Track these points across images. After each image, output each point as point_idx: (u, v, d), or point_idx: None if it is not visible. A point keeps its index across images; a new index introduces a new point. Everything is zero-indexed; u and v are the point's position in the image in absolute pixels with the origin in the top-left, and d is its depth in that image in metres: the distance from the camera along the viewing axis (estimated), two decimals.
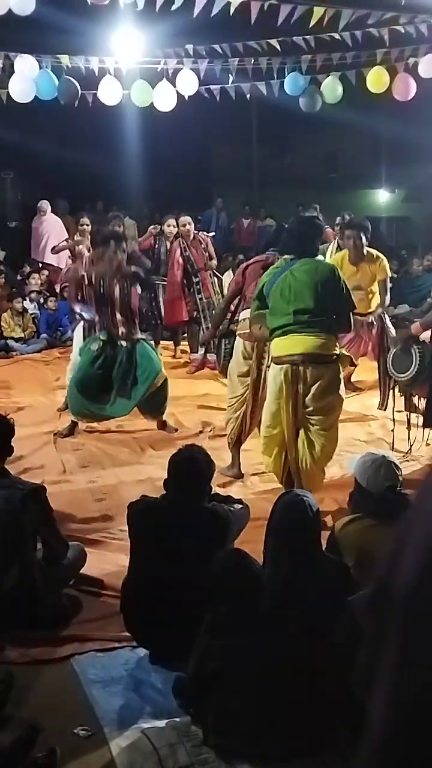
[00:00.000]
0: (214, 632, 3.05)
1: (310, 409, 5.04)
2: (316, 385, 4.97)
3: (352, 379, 7.96)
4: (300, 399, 5.01)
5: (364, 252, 7.44)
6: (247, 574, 3.10)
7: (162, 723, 3.09)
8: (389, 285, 7.81)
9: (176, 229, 9.23)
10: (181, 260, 9.09)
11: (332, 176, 19.79)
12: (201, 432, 6.92)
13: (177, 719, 3.09)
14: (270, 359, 5.32)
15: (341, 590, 3.21)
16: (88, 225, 9.18)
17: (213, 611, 3.10)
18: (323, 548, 3.51)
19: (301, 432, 5.08)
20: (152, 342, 7.21)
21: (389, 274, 7.80)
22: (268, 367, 5.49)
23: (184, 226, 9.11)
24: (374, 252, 7.67)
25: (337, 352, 5.12)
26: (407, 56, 7.62)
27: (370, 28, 7.27)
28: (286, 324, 4.98)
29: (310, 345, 4.94)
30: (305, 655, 2.99)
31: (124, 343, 6.43)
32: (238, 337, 5.84)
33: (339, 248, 8.02)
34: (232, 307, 6.22)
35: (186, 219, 9.21)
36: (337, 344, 5.14)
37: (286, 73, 7.89)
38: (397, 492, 3.65)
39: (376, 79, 7.65)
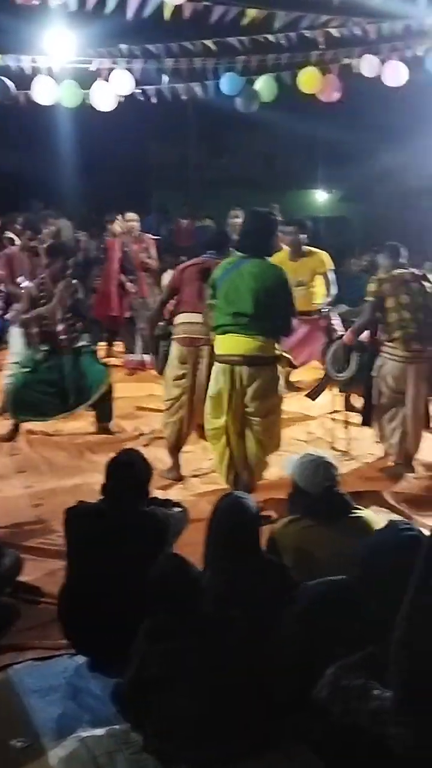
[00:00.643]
0: (152, 637, 3.02)
1: (250, 409, 5.09)
2: (253, 386, 5.02)
3: (291, 379, 8.01)
4: (239, 399, 5.05)
5: (303, 249, 7.55)
6: (185, 577, 3.07)
7: (101, 731, 3.04)
8: (333, 277, 7.91)
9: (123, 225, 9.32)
10: (119, 255, 9.18)
11: (270, 176, 19.89)
12: (141, 435, 6.88)
13: (116, 726, 3.05)
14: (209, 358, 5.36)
15: (281, 591, 3.21)
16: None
17: (151, 616, 3.07)
18: (263, 549, 3.52)
19: (247, 431, 5.14)
20: (95, 348, 7.18)
21: (330, 266, 7.90)
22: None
23: (130, 221, 9.20)
24: (313, 249, 7.79)
25: (276, 353, 5.14)
26: (341, 57, 7.70)
27: (304, 30, 7.32)
28: (226, 324, 5.03)
29: (248, 347, 4.98)
30: (247, 656, 2.98)
31: (65, 354, 6.41)
32: (174, 342, 5.81)
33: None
34: (170, 308, 6.21)
35: (132, 215, 9.31)
36: (276, 346, 5.16)
37: (221, 73, 7.90)
38: (335, 492, 3.66)
39: (307, 80, 7.71)
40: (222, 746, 2.84)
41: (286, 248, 7.65)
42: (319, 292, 7.79)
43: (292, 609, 3.04)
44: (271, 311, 4.99)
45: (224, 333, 5.06)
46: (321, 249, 8.01)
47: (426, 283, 5.89)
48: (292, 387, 7.85)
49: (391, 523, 3.11)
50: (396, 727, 2.23)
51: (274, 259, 7.53)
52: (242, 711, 2.89)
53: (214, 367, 5.21)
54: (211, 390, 5.18)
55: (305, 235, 7.64)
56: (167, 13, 6.65)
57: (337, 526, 3.55)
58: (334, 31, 7.37)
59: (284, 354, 5.27)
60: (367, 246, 14.14)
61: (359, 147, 14.86)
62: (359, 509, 3.71)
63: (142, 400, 7.89)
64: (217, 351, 5.13)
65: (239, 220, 10.08)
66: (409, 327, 5.74)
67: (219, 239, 6.07)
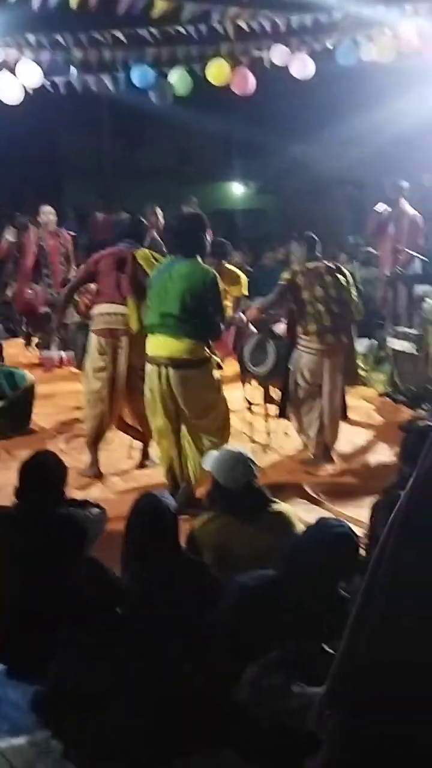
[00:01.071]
0: (71, 644, 2.96)
1: (184, 411, 5.06)
2: (181, 389, 4.96)
3: None
4: (169, 399, 5.02)
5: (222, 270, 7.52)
6: (101, 582, 3.01)
7: (21, 740, 2.96)
8: (243, 298, 7.95)
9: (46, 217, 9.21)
10: (35, 248, 9.06)
11: (186, 169, 19.84)
12: (59, 434, 6.77)
13: (36, 735, 2.97)
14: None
15: (202, 589, 3.19)
16: None
17: (70, 622, 3.00)
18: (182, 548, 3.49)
19: (184, 429, 5.12)
20: None
21: (244, 293, 7.93)
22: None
23: (45, 215, 9.12)
24: (235, 271, 7.81)
25: (207, 355, 5.07)
26: (252, 50, 7.70)
27: (214, 22, 7.29)
28: (155, 324, 5.01)
29: (175, 349, 4.93)
30: (169, 658, 2.95)
31: None
32: (92, 334, 5.73)
33: None
34: (87, 301, 6.14)
35: (48, 209, 9.22)
36: (205, 348, 5.08)
37: (132, 65, 7.80)
38: (253, 488, 3.66)
39: (216, 72, 7.69)
40: (144, 752, 2.80)
41: None
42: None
43: (220, 605, 3.03)
44: (200, 313, 4.93)
45: (153, 333, 5.03)
46: (238, 242, 8.02)
47: (340, 276, 5.94)
48: None
49: (322, 520, 3.11)
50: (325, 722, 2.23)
51: None
52: (164, 715, 2.85)
53: (146, 368, 5.16)
54: (146, 390, 5.15)
55: (225, 258, 7.63)
56: (73, 2, 6.52)
57: (257, 522, 3.55)
58: (244, 24, 7.35)
59: (215, 356, 5.22)
60: (284, 238, 14.26)
61: (274, 139, 14.93)
62: (277, 503, 3.71)
63: (62, 397, 7.75)
64: (147, 351, 5.08)
65: (157, 218, 10.09)
66: (323, 319, 5.78)
67: (135, 228, 6.00)
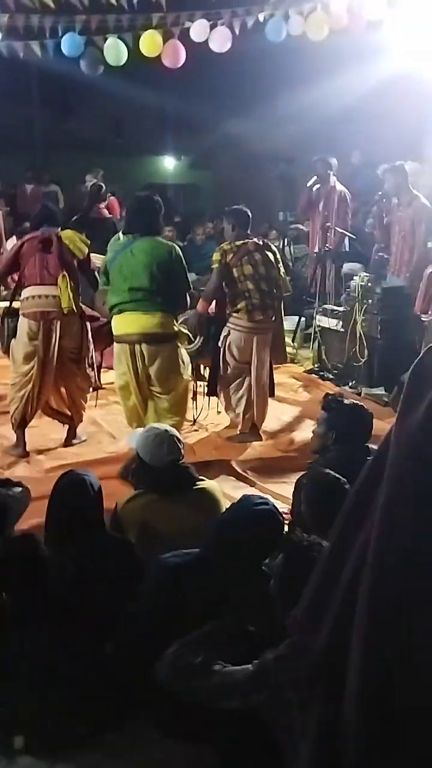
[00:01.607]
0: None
1: (155, 388, 5.21)
2: (156, 364, 5.13)
3: None
4: (143, 376, 5.15)
5: None
6: (33, 560, 2.96)
7: None
8: None
9: None
10: None
11: (118, 142, 19.55)
12: None
13: None
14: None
15: (127, 567, 3.18)
16: None
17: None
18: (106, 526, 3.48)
19: (151, 405, 5.26)
20: None
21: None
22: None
23: None
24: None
25: (176, 329, 5.23)
26: (183, 21, 7.60)
27: None
28: (123, 302, 5.07)
29: (147, 324, 5.06)
30: (96, 635, 2.94)
31: None
32: (22, 317, 5.60)
33: None
34: (11, 284, 6.02)
35: None
36: (175, 322, 5.24)
37: (60, 33, 7.61)
38: (179, 466, 3.66)
39: (148, 44, 7.57)
40: (63, 731, 2.80)
41: None
42: None
43: (143, 584, 3.02)
44: (168, 286, 5.07)
45: (121, 312, 5.09)
46: (170, 218, 7.95)
47: (269, 253, 5.94)
48: None
49: (245, 498, 3.12)
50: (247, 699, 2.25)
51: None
52: (87, 692, 2.85)
53: (115, 349, 5.18)
54: (116, 373, 5.24)
55: None
56: None
57: (182, 499, 3.55)
58: None
59: (182, 330, 5.37)
60: (216, 213, 14.21)
61: (208, 114, 14.82)
62: (203, 481, 3.72)
63: None
64: (116, 332, 5.15)
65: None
66: (252, 297, 5.79)
67: (48, 213, 5.87)
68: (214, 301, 6.02)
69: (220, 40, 7.66)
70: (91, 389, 6.00)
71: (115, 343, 5.36)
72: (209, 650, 2.43)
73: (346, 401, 4.08)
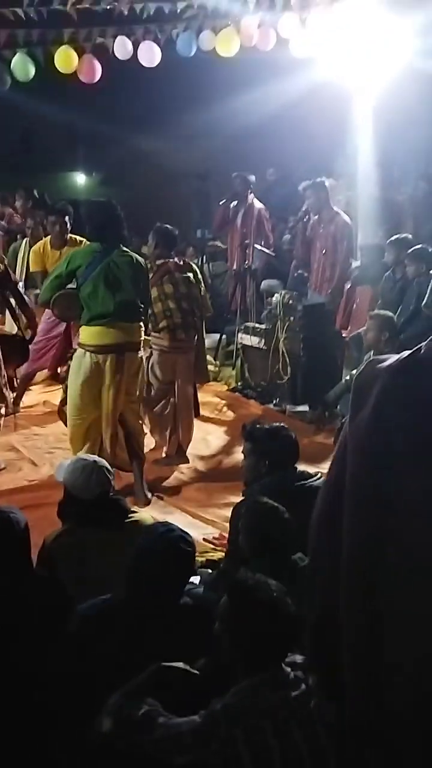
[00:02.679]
0: None
1: (132, 395, 5.16)
2: (136, 371, 5.13)
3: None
4: (121, 386, 5.03)
5: (67, 237, 7.25)
6: None
7: None
8: None
9: None
10: None
11: (28, 157, 19.24)
12: None
13: None
14: (83, 346, 5.10)
15: (54, 608, 3.01)
16: None
17: None
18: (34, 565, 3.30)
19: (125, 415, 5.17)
20: None
21: None
22: None
23: None
24: (76, 237, 7.52)
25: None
26: (95, 37, 7.46)
27: (56, 6, 7.01)
28: (109, 312, 4.97)
29: (129, 334, 5.06)
30: (19, 685, 2.76)
31: None
32: None
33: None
34: None
35: None
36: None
37: None
38: (110, 498, 3.51)
39: (63, 59, 7.39)
40: None
41: (45, 239, 7.40)
42: None
43: (63, 637, 2.85)
44: (143, 298, 5.20)
45: (106, 322, 4.97)
46: (83, 234, 7.78)
47: (188, 272, 5.87)
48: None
49: (154, 527, 2.99)
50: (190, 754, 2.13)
51: (35, 250, 7.30)
52: (17, 741, 2.67)
53: (85, 358, 5.04)
54: (78, 388, 5.04)
55: (69, 224, 7.34)
56: None
57: (115, 533, 3.39)
58: (87, 9, 7.11)
59: (147, 337, 5.47)
60: (128, 230, 14.05)
61: (117, 130, 14.69)
62: (135, 512, 3.59)
63: None
64: (98, 341, 5.00)
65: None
66: (174, 317, 5.71)
67: None
68: None
69: (149, 55, 7.55)
70: (5, 412, 5.79)
71: (81, 354, 5.10)
72: (151, 700, 2.29)
73: (265, 426, 3.96)
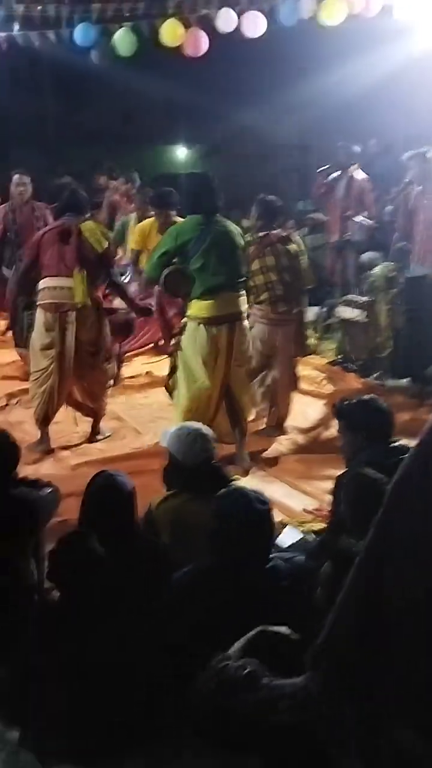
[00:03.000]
0: (37, 626, 2.86)
1: (238, 362, 5.20)
2: (242, 338, 5.17)
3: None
4: (227, 355, 5.11)
5: (173, 221, 7.29)
6: (89, 556, 2.88)
7: None
8: None
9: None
10: (1, 224, 7.75)
11: (129, 132, 19.45)
12: (6, 405, 6.58)
13: None
14: (195, 319, 5.11)
15: (159, 572, 3.11)
16: None
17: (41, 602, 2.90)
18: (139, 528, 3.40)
19: (232, 386, 5.22)
20: None
21: None
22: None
23: (17, 186, 7.72)
24: (181, 221, 7.56)
25: None
26: (200, 8, 7.47)
27: None
28: (221, 284, 5.02)
29: (240, 303, 5.14)
30: (127, 642, 2.87)
31: None
32: (39, 308, 5.53)
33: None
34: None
35: (21, 178, 7.75)
36: None
37: (76, 23, 7.50)
38: (212, 465, 3.58)
39: (170, 32, 7.43)
40: (104, 739, 2.73)
41: (152, 219, 7.38)
42: None
43: (162, 600, 2.94)
44: (246, 267, 5.32)
45: (216, 293, 5.02)
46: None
47: (291, 244, 5.85)
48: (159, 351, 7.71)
49: (224, 493, 3.02)
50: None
51: (141, 228, 7.36)
52: (122, 701, 2.78)
53: (200, 331, 5.06)
54: (195, 356, 5.08)
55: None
56: None
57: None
58: None
59: None
60: (229, 203, 14.08)
61: (219, 103, 14.69)
62: (236, 480, 3.65)
63: (7, 368, 7.52)
64: (211, 313, 5.04)
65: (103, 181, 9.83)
66: (275, 289, 5.71)
67: (75, 201, 5.76)
68: None
69: (253, 25, 7.49)
70: (110, 382, 5.95)
71: (195, 327, 5.10)
72: (254, 661, 2.35)
73: (354, 401, 3.91)
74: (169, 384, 5.38)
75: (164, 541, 3.38)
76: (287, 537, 3.83)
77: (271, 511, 2.92)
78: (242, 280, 5.19)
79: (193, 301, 5.10)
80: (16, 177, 7.79)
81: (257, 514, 2.83)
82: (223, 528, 2.85)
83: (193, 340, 5.10)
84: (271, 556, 3.25)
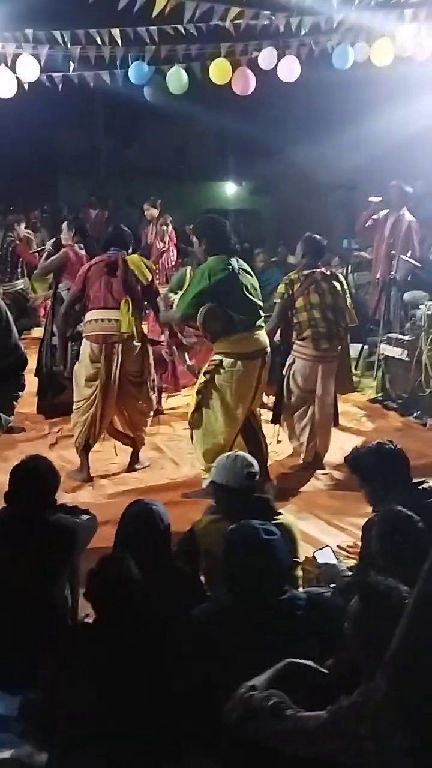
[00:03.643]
0: (59, 653, 2.90)
1: (261, 394, 5.43)
2: (266, 372, 5.34)
3: None
4: (258, 388, 5.31)
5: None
6: (127, 580, 2.93)
7: (5, 754, 2.91)
8: None
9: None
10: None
11: (180, 168, 19.78)
12: (48, 434, 6.70)
13: (20, 750, 2.92)
14: (234, 355, 5.18)
15: (189, 601, 3.14)
16: None
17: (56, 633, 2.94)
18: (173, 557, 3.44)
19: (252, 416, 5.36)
20: None
21: None
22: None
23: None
24: None
25: None
26: (251, 50, 7.64)
27: (214, 22, 7.23)
28: (254, 320, 5.20)
29: (265, 339, 5.31)
30: (153, 669, 2.90)
31: None
32: (85, 340, 5.66)
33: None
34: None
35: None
36: None
37: (130, 62, 7.72)
38: (259, 496, 3.65)
39: (218, 71, 7.62)
40: (128, 761, 2.75)
41: None
42: None
43: (187, 627, 2.97)
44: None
45: (251, 329, 5.18)
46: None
47: (335, 282, 5.90)
48: None
49: (232, 530, 3.03)
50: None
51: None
52: (147, 726, 2.80)
53: (234, 369, 5.14)
54: (232, 400, 5.16)
55: None
56: None
57: None
58: (244, 24, 7.30)
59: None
60: (276, 239, 14.21)
61: (269, 140, 14.89)
62: (282, 515, 3.66)
63: None
64: (252, 348, 5.18)
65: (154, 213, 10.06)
66: (318, 326, 5.75)
67: (120, 236, 5.91)
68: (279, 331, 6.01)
69: (288, 69, 7.66)
70: (151, 413, 6.02)
71: (231, 364, 5.17)
72: (280, 692, 2.37)
73: (362, 451, 3.89)
74: (191, 421, 5.36)
75: (202, 563, 3.41)
76: (322, 556, 3.81)
77: (279, 542, 2.93)
78: (264, 316, 5.37)
79: (230, 337, 5.12)
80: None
81: (264, 544, 2.86)
82: (232, 559, 2.89)
83: (231, 377, 5.13)
84: (303, 590, 3.29)
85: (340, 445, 6.37)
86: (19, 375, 4.67)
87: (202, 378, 5.29)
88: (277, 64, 7.69)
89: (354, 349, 8.10)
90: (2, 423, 5.17)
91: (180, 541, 3.65)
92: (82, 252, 6.90)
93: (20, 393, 4.76)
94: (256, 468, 3.69)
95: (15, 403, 4.76)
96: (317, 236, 6.05)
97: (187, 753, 2.82)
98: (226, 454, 3.82)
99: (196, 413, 5.28)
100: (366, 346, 8.54)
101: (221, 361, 5.17)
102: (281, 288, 5.87)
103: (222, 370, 5.16)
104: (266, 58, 7.65)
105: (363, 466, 3.72)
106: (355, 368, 8.31)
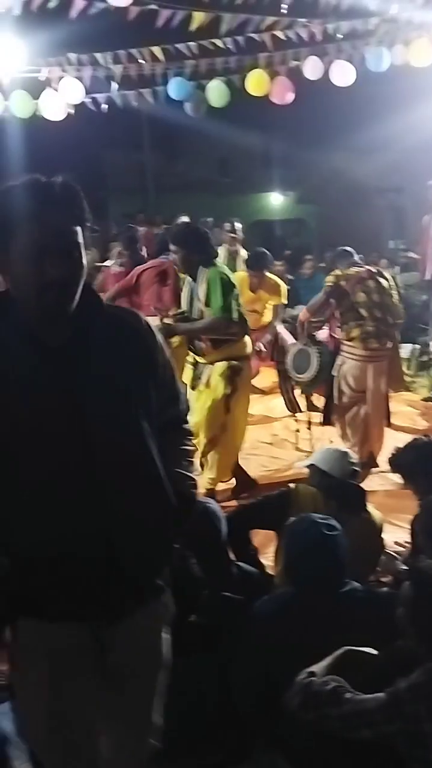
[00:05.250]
0: None
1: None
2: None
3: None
4: None
5: (263, 279, 7.62)
6: (186, 575, 3.00)
7: None
8: (282, 306, 7.94)
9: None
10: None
11: (225, 181, 19.93)
12: None
13: None
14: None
15: (249, 598, 3.18)
16: None
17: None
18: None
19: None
20: None
21: (284, 300, 7.90)
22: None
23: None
24: (275, 280, 7.81)
25: None
26: (289, 60, 7.68)
27: (250, 33, 7.30)
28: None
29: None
30: (217, 666, 2.96)
31: None
32: None
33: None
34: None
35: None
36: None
37: (170, 78, 7.84)
38: (359, 487, 3.75)
39: (256, 82, 7.68)
40: (193, 762, 2.81)
41: (244, 273, 7.70)
42: (267, 316, 7.80)
43: (248, 624, 3.02)
44: None
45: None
46: (277, 251, 8.03)
47: (382, 280, 5.91)
48: (255, 390, 7.85)
49: (294, 523, 3.08)
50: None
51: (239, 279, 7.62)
52: (211, 724, 2.86)
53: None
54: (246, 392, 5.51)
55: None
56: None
57: (348, 519, 3.38)
58: (281, 34, 7.35)
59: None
60: (323, 246, 14.23)
61: (312, 149, 14.94)
62: (372, 511, 3.72)
63: None
64: (247, 352, 5.45)
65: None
66: (366, 325, 5.75)
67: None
68: (327, 331, 6.04)
69: (341, 74, 7.65)
70: None
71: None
72: (339, 677, 2.41)
73: (402, 449, 3.98)
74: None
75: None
76: None
77: (340, 537, 2.96)
78: None
79: (244, 339, 5.34)
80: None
81: (325, 539, 2.90)
82: (292, 552, 2.93)
83: (248, 377, 5.47)
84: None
85: (394, 444, 6.33)
86: None
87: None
88: (327, 71, 7.69)
89: (406, 349, 8.07)
90: None
91: (268, 497, 3.74)
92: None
93: None
94: (357, 468, 3.84)
95: None
96: (346, 249, 6.28)
97: (255, 748, 2.87)
98: (333, 447, 4.04)
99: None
100: (418, 346, 8.50)
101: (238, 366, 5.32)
102: (329, 278, 5.93)
103: (242, 373, 5.34)
104: (312, 68, 7.66)
105: (403, 464, 3.79)
106: (408, 368, 8.28)
